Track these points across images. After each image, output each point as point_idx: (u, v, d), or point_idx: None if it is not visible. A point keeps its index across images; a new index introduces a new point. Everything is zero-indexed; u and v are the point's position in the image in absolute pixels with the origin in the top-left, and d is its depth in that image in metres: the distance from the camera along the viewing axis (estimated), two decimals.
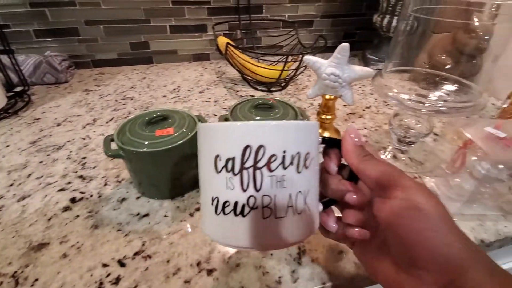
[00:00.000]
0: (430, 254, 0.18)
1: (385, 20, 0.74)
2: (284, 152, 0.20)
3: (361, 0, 0.89)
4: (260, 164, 0.20)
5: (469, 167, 0.36)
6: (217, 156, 0.21)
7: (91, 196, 0.39)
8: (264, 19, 0.84)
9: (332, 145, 0.25)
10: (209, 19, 0.81)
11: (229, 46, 0.60)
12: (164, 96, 0.66)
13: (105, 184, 0.40)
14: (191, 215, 0.36)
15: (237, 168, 0.20)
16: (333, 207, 0.25)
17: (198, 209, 0.37)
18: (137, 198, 0.38)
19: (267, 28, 0.86)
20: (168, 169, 0.36)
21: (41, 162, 0.45)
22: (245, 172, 0.20)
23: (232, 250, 0.32)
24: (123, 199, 0.38)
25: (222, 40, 0.66)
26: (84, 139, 0.51)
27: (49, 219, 0.35)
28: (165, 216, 0.36)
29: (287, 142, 0.20)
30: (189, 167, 0.37)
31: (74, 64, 0.78)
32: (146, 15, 0.77)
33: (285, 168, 0.20)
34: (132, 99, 0.65)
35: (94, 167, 0.44)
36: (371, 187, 0.22)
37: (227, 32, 0.84)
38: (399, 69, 0.48)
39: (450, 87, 0.44)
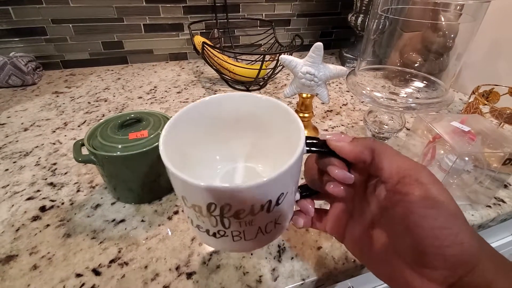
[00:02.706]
0: (440, 253, 0.17)
1: (359, 19, 0.76)
2: (253, 205, 0.19)
3: None
4: (227, 215, 0.19)
5: (438, 159, 0.38)
6: (183, 197, 0.20)
7: (63, 203, 0.37)
8: (241, 18, 0.84)
9: (324, 153, 0.22)
10: (185, 18, 0.79)
11: (205, 45, 0.60)
12: (140, 97, 0.64)
13: (78, 191, 0.39)
14: (170, 218, 0.35)
15: (204, 213, 0.20)
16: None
17: (176, 212, 0.36)
18: (112, 203, 0.37)
19: (244, 27, 0.86)
20: (144, 172, 0.35)
21: (7, 170, 0.42)
22: (212, 217, 0.20)
23: (212, 252, 0.32)
24: (98, 205, 0.37)
25: (199, 40, 0.65)
26: (54, 144, 0.48)
27: (17, 230, 0.34)
28: (142, 221, 0.35)
29: (255, 199, 0.19)
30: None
31: (42, 65, 0.74)
32: (119, 14, 0.74)
33: (254, 215, 0.20)
34: (106, 101, 0.62)
35: (66, 173, 0.42)
36: (385, 181, 0.20)
37: (204, 31, 0.83)
38: (372, 67, 0.49)
39: (419, 84, 0.46)
